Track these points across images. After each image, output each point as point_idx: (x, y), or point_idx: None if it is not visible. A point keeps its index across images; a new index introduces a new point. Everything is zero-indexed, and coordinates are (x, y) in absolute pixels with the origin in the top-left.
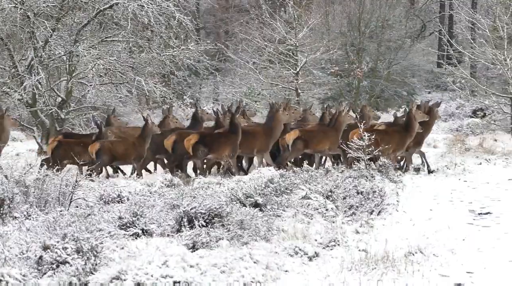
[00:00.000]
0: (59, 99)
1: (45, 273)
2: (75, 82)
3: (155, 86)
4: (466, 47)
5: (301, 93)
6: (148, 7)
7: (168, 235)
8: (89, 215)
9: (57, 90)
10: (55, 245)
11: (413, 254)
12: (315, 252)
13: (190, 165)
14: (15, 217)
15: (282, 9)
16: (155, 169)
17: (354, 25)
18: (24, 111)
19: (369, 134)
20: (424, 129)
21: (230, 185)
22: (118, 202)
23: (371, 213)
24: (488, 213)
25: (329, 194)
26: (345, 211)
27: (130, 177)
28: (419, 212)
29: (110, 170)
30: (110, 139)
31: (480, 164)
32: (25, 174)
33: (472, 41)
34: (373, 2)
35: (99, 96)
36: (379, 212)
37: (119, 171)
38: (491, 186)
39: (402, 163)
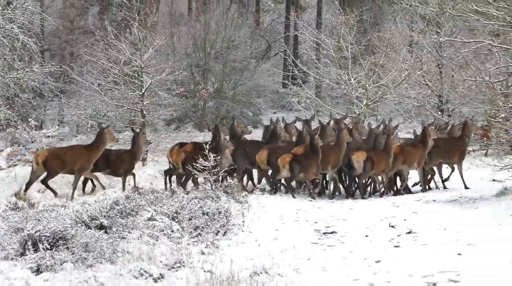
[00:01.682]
0: None
1: None
2: None
3: None
4: (311, 67)
5: (146, 115)
6: None
7: (12, 258)
8: None
9: None
10: None
11: (258, 274)
12: (161, 274)
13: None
14: None
15: (128, 30)
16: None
17: (199, 46)
18: None
19: (214, 156)
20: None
21: (75, 207)
22: None
23: (216, 234)
24: (333, 232)
25: (175, 215)
26: (190, 232)
27: None
28: (264, 232)
29: None
30: None
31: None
32: None
33: (317, 61)
34: (218, 23)
35: None
36: (225, 232)
37: None
38: (336, 205)
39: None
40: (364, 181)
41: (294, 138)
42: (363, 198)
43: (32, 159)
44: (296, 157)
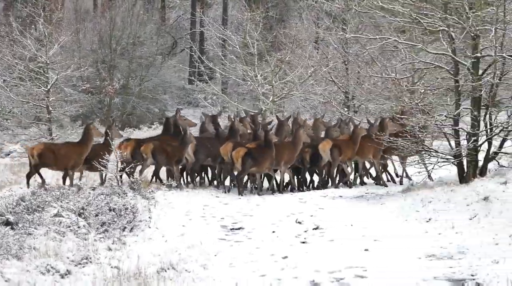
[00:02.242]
0: None
1: None
2: None
3: None
4: (217, 63)
5: (52, 111)
6: None
7: None
8: None
9: None
10: None
11: (166, 270)
12: (67, 270)
13: None
14: None
15: (33, 26)
16: None
17: (105, 43)
18: None
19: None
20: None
21: None
22: None
23: (123, 230)
24: (240, 228)
25: (81, 211)
26: (97, 228)
27: None
28: (171, 228)
29: None
30: None
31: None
32: None
33: (223, 58)
34: (124, 19)
35: None
36: (132, 228)
37: None
38: (243, 201)
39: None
40: (334, 171)
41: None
42: (336, 188)
43: (28, 152)
44: (250, 151)
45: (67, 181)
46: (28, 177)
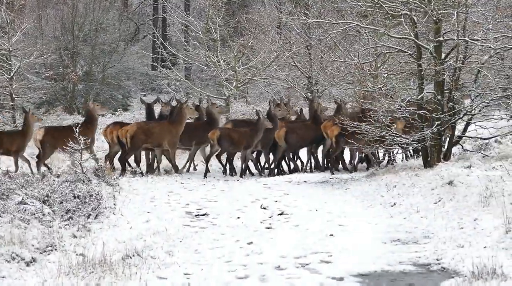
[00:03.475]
0: None
1: None
2: None
3: None
4: (180, 49)
5: (16, 98)
6: None
7: None
8: None
9: None
10: None
11: (131, 257)
12: (33, 258)
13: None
14: None
15: None
16: None
17: (67, 29)
18: None
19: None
20: None
21: None
22: None
23: (88, 217)
24: (205, 214)
25: (46, 198)
26: (62, 215)
27: None
28: (136, 214)
29: None
30: None
31: (197, 164)
32: None
33: (186, 44)
34: (86, 6)
35: None
36: (96, 215)
37: None
38: (208, 187)
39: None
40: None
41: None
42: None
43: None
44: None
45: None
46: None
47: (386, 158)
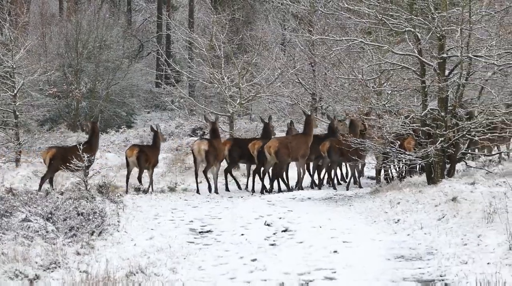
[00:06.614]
0: None
1: None
2: None
3: None
4: (184, 66)
5: (19, 116)
6: None
7: None
8: None
9: None
10: None
11: (135, 274)
12: (36, 275)
13: None
14: None
15: None
16: None
17: (71, 46)
18: None
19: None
20: None
21: None
22: None
23: (92, 234)
24: (209, 231)
25: (50, 215)
26: (66, 232)
27: None
28: (140, 231)
29: None
30: None
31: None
32: None
33: (190, 61)
34: (90, 23)
35: None
36: (100, 232)
37: None
38: (211, 204)
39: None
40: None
41: None
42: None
43: (42, 156)
44: None
45: None
46: (42, 180)
47: (391, 173)
